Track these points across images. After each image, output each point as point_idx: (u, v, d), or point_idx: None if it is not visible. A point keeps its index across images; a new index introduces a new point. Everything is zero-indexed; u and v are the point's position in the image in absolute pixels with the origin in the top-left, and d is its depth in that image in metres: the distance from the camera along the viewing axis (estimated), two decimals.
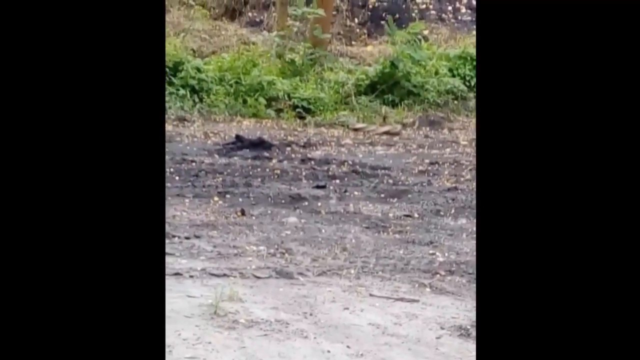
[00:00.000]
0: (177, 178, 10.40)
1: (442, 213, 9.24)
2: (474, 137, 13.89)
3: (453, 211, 9.30)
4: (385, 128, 15.00)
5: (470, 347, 5.51)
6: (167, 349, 5.05)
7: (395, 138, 14.38)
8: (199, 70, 16.13)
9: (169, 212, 8.61)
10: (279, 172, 11.10)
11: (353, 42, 21.11)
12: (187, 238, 7.74)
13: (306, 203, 9.44)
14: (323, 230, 8.28)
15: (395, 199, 9.84)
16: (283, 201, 9.49)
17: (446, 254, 7.60)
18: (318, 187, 10.29)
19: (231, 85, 16.13)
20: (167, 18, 21.57)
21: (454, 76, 17.02)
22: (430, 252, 7.68)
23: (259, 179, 10.61)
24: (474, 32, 19.87)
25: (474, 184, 10.49)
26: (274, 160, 11.88)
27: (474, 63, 16.92)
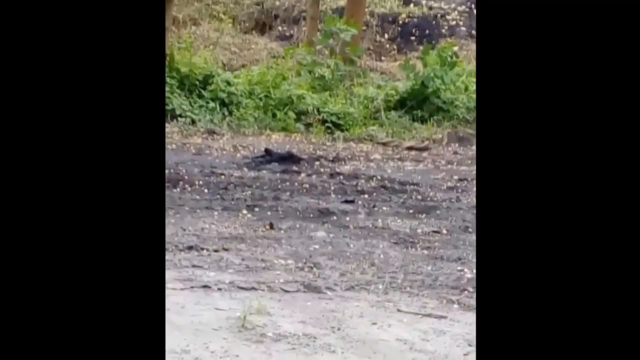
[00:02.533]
0: (206, 191, 10.43)
1: (470, 229, 9.21)
2: None
3: None
4: (411, 143, 15.02)
5: None
6: None
7: (424, 154, 14.38)
8: (228, 83, 16.20)
9: (198, 224, 8.64)
10: (307, 186, 11.11)
11: (383, 58, 21.15)
12: (215, 251, 7.76)
13: (334, 217, 9.44)
14: (351, 245, 8.27)
15: (424, 215, 9.83)
16: (311, 215, 9.50)
17: (474, 271, 7.57)
18: (346, 201, 10.29)
19: (260, 99, 16.19)
20: (197, 31, 21.67)
21: None
22: (459, 268, 7.66)
23: (288, 193, 10.63)
24: None
25: None
26: (303, 174, 11.88)
27: None
